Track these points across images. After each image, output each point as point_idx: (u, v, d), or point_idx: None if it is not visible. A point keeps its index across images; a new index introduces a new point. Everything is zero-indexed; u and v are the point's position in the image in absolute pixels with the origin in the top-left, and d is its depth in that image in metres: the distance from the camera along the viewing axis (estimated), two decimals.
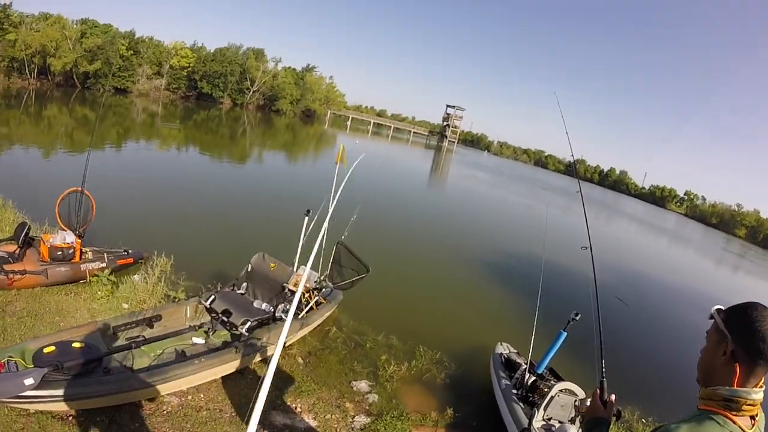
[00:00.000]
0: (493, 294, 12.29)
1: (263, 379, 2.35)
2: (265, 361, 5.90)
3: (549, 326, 6.38)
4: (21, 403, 3.89)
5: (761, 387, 1.65)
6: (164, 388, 4.66)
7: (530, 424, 5.08)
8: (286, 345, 6.29)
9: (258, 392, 2.28)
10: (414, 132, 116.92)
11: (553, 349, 5.79)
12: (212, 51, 66.41)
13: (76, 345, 4.45)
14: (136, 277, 7.20)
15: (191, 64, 63.27)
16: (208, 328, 5.91)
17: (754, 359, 1.61)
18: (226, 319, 5.78)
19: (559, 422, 5.32)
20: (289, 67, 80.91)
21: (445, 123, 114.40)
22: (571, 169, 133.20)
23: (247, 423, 2.21)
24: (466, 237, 19.17)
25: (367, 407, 5.61)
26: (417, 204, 25.11)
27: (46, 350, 4.23)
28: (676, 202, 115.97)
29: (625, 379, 7.95)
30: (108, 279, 6.83)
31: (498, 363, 6.63)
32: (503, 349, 7.09)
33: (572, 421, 5.27)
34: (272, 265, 6.88)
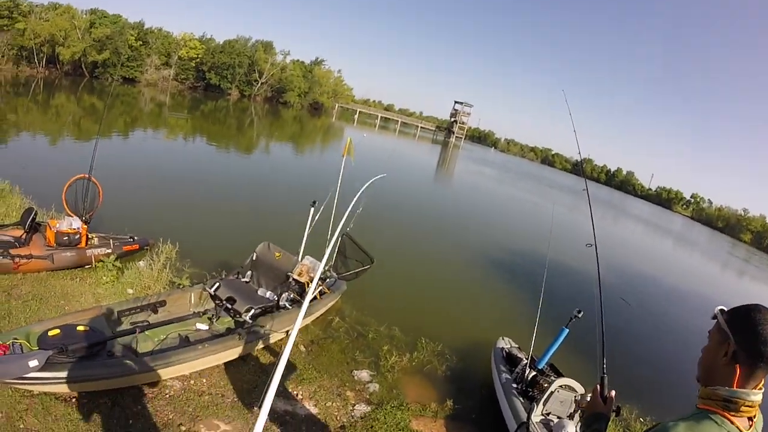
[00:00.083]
0: (496, 289, 12.30)
1: (276, 365, 2.37)
2: (268, 348, 5.95)
3: (551, 322, 6.41)
4: (25, 384, 3.94)
5: (760, 389, 1.66)
6: (167, 373, 4.71)
7: (529, 418, 5.09)
8: (289, 334, 6.32)
9: (272, 377, 2.30)
10: (421, 127, 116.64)
11: (555, 345, 5.81)
12: (221, 43, 66.43)
13: (81, 328, 4.49)
14: (141, 263, 7.24)
15: (200, 56, 63.28)
16: (212, 315, 5.95)
17: (755, 361, 1.62)
18: (230, 306, 5.82)
19: (558, 418, 5.34)
20: (298, 60, 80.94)
21: (452, 119, 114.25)
22: (578, 168, 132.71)
23: (260, 406, 2.23)
24: (471, 232, 19.17)
25: (368, 396, 5.66)
26: (423, 198, 25.10)
27: (50, 333, 4.28)
28: (682, 205, 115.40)
29: (626, 379, 7.95)
30: (113, 265, 6.87)
31: (499, 357, 6.64)
32: (505, 343, 7.10)
33: (571, 416, 5.29)
34: (277, 254, 6.92)
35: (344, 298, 7.97)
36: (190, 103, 50.47)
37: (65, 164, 12.79)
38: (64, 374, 4.00)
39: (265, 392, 2.27)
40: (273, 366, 5.65)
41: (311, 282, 6.78)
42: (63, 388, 4.13)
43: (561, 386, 5.32)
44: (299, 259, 7.07)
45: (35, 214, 6.75)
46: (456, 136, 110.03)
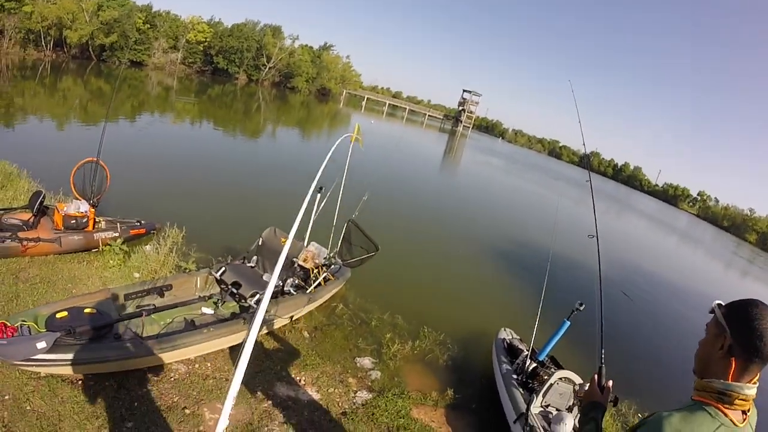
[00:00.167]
0: (499, 280, 12.34)
1: (244, 343, 2.46)
2: (272, 333, 6.01)
3: (553, 315, 6.44)
4: (33, 366, 4.00)
5: (755, 383, 1.68)
6: (172, 356, 4.78)
7: (528, 409, 5.13)
8: (293, 319, 6.39)
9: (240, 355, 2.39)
10: (429, 115, 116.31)
11: (556, 337, 5.84)
12: (229, 27, 66.07)
13: (88, 311, 4.56)
14: (147, 247, 7.30)
15: (208, 39, 62.94)
16: (218, 299, 6.02)
17: (750, 356, 1.64)
18: (235, 290, 5.87)
19: (557, 410, 5.39)
20: (306, 45, 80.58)
21: (460, 107, 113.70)
22: (585, 161, 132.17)
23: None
24: (476, 222, 19.18)
25: (370, 383, 5.72)
26: (429, 187, 25.08)
27: (58, 315, 4.34)
28: (688, 202, 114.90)
29: (625, 373, 8.01)
30: (120, 248, 6.93)
31: (500, 348, 6.69)
32: (506, 334, 7.15)
33: (570, 409, 5.33)
34: (283, 239, 6.93)
35: (348, 285, 8.03)
36: (198, 87, 50.42)
37: (72, 148, 12.86)
38: (71, 356, 4.07)
39: (234, 371, 2.35)
40: (277, 351, 5.75)
41: (315, 268, 6.84)
42: (70, 370, 4.20)
43: (561, 378, 5.36)
44: (305, 244, 7.12)
45: (43, 198, 6.78)
46: (463, 126, 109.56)
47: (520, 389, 5.70)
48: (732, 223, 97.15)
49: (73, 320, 4.34)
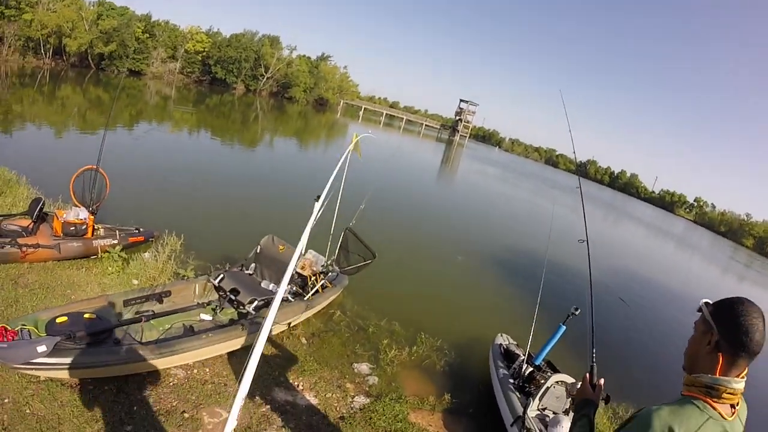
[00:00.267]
0: (496, 287, 12.39)
1: (252, 348, 2.50)
2: (270, 339, 6.05)
3: (549, 320, 6.50)
4: (33, 369, 4.03)
5: (743, 378, 1.74)
6: (171, 361, 4.81)
7: (525, 413, 5.17)
8: (291, 326, 6.41)
9: (248, 358, 2.43)
10: (426, 125, 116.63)
11: (552, 341, 5.88)
12: (227, 37, 66.45)
13: (88, 316, 4.60)
14: (146, 254, 7.34)
15: (206, 49, 63.30)
16: (216, 306, 6.06)
17: (737, 351, 1.70)
18: (233, 297, 5.92)
19: (554, 413, 5.43)
20: (304, 56, 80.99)
21: (457, 117, 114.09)
22: (582, 169, 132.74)
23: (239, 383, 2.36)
24: (472, 230, 19.24)
25: (367, 389, 5.75)
26: (425, 196, 25.16)
27: (58, 320, 4.38)
28: (685, 208, 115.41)
29: (622, 377, 8.09)
30: (119, 255, 6.97)
31: (497, 353, 6.73)
32: (503, 340, 7.19)
33: (566, 412, 5.37)
34: (281, 247, 7.00)
35: (346, 293, 8.06)
36: (196, 96, 50.57)
37: (71, 155, 12.92)
38: (71, 360, 4.10)
39: (242, 376, 2.40)
40: (275, 357, 5.78)
41: (312, 276, 6.88)
42: (70, 374, 4.22)
43: (557, 382, 5.40)
44: (303, 252, 7.16)
45: (43, 204, 6.83)
46: (460, 135, 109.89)
47: (517, 393, 5.73)
48: (729, 229, 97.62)
49: (73, 325, 4.38)
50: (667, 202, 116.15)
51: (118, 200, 8.78)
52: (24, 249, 6.15)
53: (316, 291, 6.83)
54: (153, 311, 5.38)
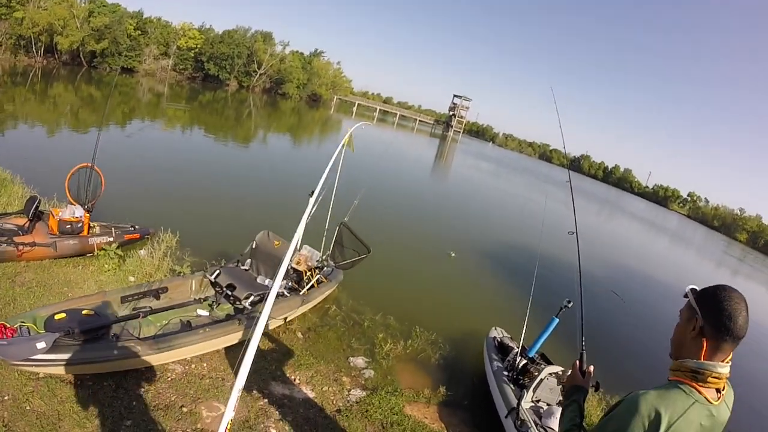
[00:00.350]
0: (489, 281, 12.49)
1: (248, 339, 2.55)
2: (266, 334, 6.10)
3: (542, 313, 6.58)
4: (33, 366, 4.07)
5: (728, 362, 1.81)
6: (169, 356, 4.86)
7: (519, 404, 5.25)
8: (287, 320, 6.47)
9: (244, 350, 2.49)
10: (419, 120, 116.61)
11: (545, 334, 5.97)
12: (220, 33, 66.10)
13: (86, 312, 4.64)
14: (142, 252, 7.37)
15: (198, 46, 62.94)
16: (213, 302, 6.11)
17: (721, 335, 1.77)
18: (230, 293, 5.97)
19: (548, 405, 5.51)
20: (297, 51, 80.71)
21: (451, 112, 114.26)
22: (576, 164, 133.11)
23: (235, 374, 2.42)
24: (466, 225, 19.32)
25: (363, 382, 5.82)
26: (419, 191, 25.23)
27: (57, 317, 4.42)
28: (678, 203, 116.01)
29: (612, 368, 8.19)
30: (115, 253, 6.99)
31: (491, 346, 6.81)
32: (497, 333, 7.27)
33: (560, 403, 5.45)
34: (276, 242, 7.04)
35: (341, 287, 8.12)
36: (189, 93, 50.32)
37: (64, 154, 12.95)
38: (70, 356, 4.14)
39: (238, 365, 2.46)
40: (272, 352, 5.84)
41: (308, 270, 6.93)
42: (69, 370, 4.27)
43: (550, 374, 5.48)
44: (297, 248, 7.22)
45: (38, 203, 6.83)
46: (454, 130, 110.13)
47: (511, 385, 5.81)
48: (722, 223, 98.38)
49: (72, 321, 4.41)
50: (661, 197, 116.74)
51: (113, 198, 8.80)
52: (20, 247, 6.17)
53: (312, 286, 6.90)
54: (150, 307, 5.43)
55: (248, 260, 7.07)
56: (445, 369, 6.80)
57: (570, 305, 5.64)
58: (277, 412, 4.76)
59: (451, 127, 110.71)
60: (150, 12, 63.11)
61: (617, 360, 9.25)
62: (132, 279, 6.67)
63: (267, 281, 6.71)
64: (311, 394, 5.25)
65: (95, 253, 7.01)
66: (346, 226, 7.12)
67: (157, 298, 5.74)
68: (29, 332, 4.19)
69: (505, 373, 6.09)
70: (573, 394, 2.33)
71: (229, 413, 2.60)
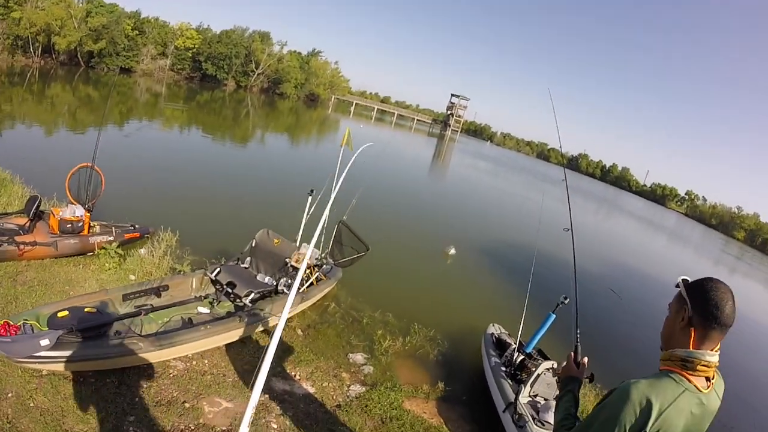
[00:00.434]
0: (487, 278, 12.59)
1: (267, 346, 2.58)
2: (267, 331, 6.17)
3: (539, 309, 6.64)
4: (36, 363, 4.11)
5: (716, 351, 1.87)
6: (171, 353, 4.92)
7: (516, 399, 5.32)
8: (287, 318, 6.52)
9: (263, 357, 2.52)
10: (417, 120, 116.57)
11: (542, 330, 6.02)
12: (218, 33, 66.02)
13: (89, 310, 4.69)
14: (142, 250, 7.42)
15: (196, 46, 62.87)
16: (213, 299, 6.17)
17: (709, 323, 1.83)
18: (230, 290, 6.03)
19: (545, 400, 5.58)
20: (295, 51, 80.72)
21: (449, 112, 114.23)
22: (573, 163, 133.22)
23: (252, 386, 2.46)
24: (464, 223, 19.41)
25: (363, 378, 5.89)
26: (417, 190, 25.29)
27: (59, 315, 4.46)
28: (676, 201, 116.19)
29: (608, 363, 8.24)
30: (115, 252, 7.03)
31: (489, 342, 6.88)
32: (495, 329, 7.34)
33: (557, 398, 5.51)
34: (276, 240, 7.11)
35: (340, 285, 8.19)
36: (186, 93, 50.29)
37: (63, 154, 13.00)
38: (73, 353, 4.19)
39: (258, 369, 2.50)
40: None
41: (308, 269, 6.99)
42: (72, 367, 4.33)
43: (547, 369, 5.56)
44: (297, 245, 7.28)
45: (39, 202, 6.88)
46: (452, 130, 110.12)
47: (509, 381, 5.88)
48: (720, 221, 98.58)
49: (74, 319, 4.46)
50: (659, 196, 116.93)
51: (112, 198, 8.84)
52: (21, 247, 6.21)
53: (311, 284, 6.96)
54: (152, 305, 5.48)
55: (248, 258, 7.13)
56: (443, 365, 6.87)
57: (566, 301, 5.71)
58: (278, 407, 4.82)
59: (449, 126, 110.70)
60: (148, 12, 63.12)
61: (615, 356, 9.32)
62: (132, 278, 6.72)
63: (267, 279, 6.77)
64: (311, 390, 5.32)
65: (96, 252, 7.05)
66: (345, 224, 7.17)
67: (158, 295, 5.79)
68: (32, 330, 4.24)
69: (503, 368, 6.16)
70: (568, 384, 2.40)
71: (254, 400, 2.58)
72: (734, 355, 11.62)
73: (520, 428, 5.04)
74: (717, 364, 1.86)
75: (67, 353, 4.17)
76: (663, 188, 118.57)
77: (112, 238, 7.33)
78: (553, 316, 5.92)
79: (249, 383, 5.06)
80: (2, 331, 4.06)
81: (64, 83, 35.88)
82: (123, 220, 8.07)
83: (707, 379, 1.86)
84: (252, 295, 6.00)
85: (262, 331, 6.11)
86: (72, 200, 7.32)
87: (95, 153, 7.50)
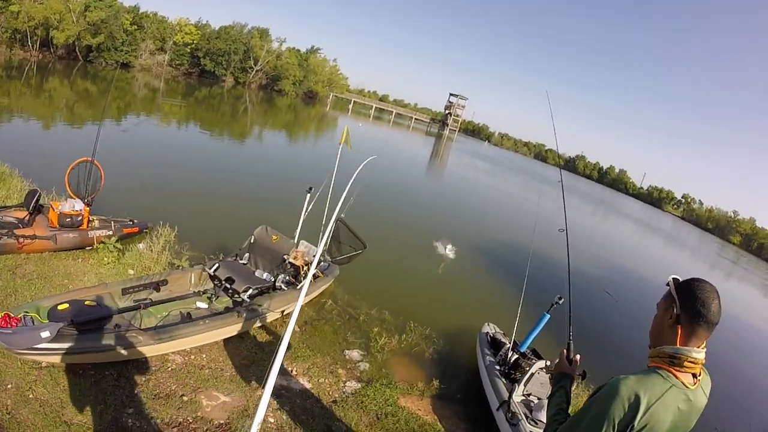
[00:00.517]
0: (483, 277, 12.65)
1: (281, 339, 2.65)
2: (265, 326, 6.22)
3: (533, 309, 6.72)
4: (36, 354, 4.17)
5: (703, 348, 1.94)
6: (169, 347, 4.97)
7: (510, 398, 5.38)
8: (284, 314, 6.57)
9: (276, 354, 2.59)
10: (415, 118, 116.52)
11: (536, 330, 6.07)
12: (216, 29, 65.94)
13: (89, 303, 4.74)
14: (141, 245, 7.45)
15: (195, 41, 62.76)
16: (212, 294, 6.22)
17: (696, 320, 1.90)
18: (228, 286, 6.09)
19: (538, 399, 5.65)
20: (293, 48, 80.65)
21: (447, 111, 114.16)
22: (570, 164, 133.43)
23: (264, 384, 2.52)
24: (460, 222, 19.48)
25: (358, 374, 5.95)
26: (415, 189, 25.32)
27: (60, 307, 4.52)
28: (673, 205, 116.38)
29: (601, 362, 8.33)
30: (114, 246, 7.05)
31: (484, 341, 6.94)
32: (490, 329, 7.40)
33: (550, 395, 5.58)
34: (274, 237, 7.16)
35: (337, 282, 8.24)
36: (185, 89, 50.24)
37: (61, 148, 13.06)
38: (73, 346, 4.24)
39: (269, 370, 2.57)
40: (269, 344, 5.95)
41: (306, 266, 7.05)
42: (72, 359, 4.37)
43: (541, 368, 5.62)
44: (295, 243, 7.33)
45: (39, 196, 6.90)
46: (450, 129, 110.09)
47: (503, 379, 5.95)
48: (716, 225, 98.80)
49: (74, 312, 4.52)
50: (655, 198, 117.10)
51: (111, 192, 8.87)
52: (21, 240, 6.24)
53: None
54: (151, 299, 5.54)
55: (246, 254, 7.18)
56: (438, 363, 6.94)
57: (561, 302, 5.75)
58: (275, 402, 4.87)
59: (447, 125, 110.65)
60: (146, 7, 63.13)
61: (610, 357, 9.40)
62: (131, 272, 6.76)
63: (265, 275, 6.82)
64: (308, 385, 5.38)
65: (95, 246, 7.08)
66: (343, 221, 7.23)
67: (158, 290, 5.85)
68: (33, 322, 4.29)
69: (497, 367, 6.22)
70: (560, 380, 2.47)
71: (268, 390, 2.65)
72: (728, 358, 11.74)
73: (513, 426, 5.10)
74: (703, 361, 1.93)
75: (67, 345, 4.22)
76: (660, 191, 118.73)
77: (111, 233, 7.36)
78: (548, 316, 5.97)
79: (246, 377, 5.13)
80: (3, 322, 4.12)
81: (62, 77, 35.81)
82: (122, 215, 8.11)
83: (694, 375, 1.93)
84: (250, 291, 6.06)
85: (260, 327, 6.16)
86: (71, 194, 7.35)
87: (95, 147, 7.53)
